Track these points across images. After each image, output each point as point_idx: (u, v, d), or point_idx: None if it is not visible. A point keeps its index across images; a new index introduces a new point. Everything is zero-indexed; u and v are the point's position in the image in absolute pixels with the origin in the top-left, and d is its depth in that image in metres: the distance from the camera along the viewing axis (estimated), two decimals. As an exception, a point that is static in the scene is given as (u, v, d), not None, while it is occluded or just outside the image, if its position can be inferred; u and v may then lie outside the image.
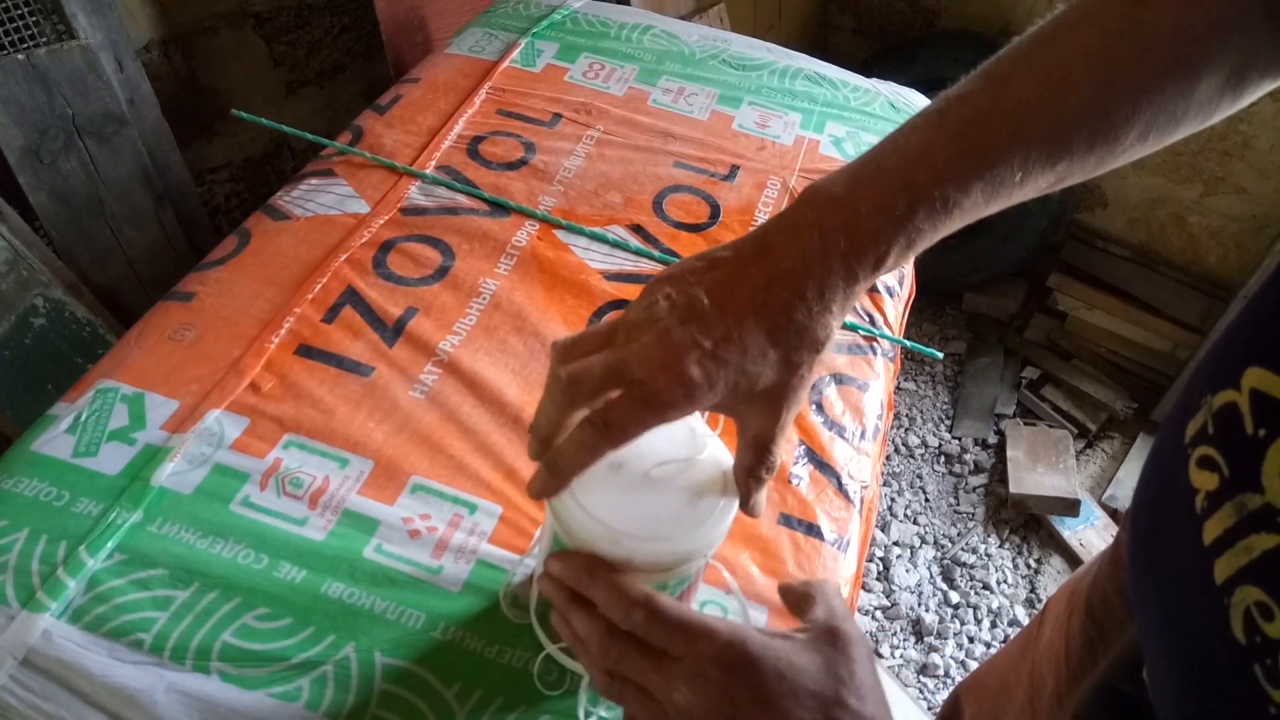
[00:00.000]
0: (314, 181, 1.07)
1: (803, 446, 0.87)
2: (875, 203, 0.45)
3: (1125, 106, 0.46)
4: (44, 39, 1.24)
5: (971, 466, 2.16)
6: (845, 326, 0.98)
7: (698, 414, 0.48)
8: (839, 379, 0.94)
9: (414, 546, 0.75)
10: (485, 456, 0.82)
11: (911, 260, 0.50)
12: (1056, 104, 0.46)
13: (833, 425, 0.89)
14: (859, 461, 0.88)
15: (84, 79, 1.26)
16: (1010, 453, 2.12)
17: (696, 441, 0.53)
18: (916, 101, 1.30)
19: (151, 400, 0.83)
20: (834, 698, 0.43)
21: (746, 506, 0.51)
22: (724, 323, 0.43)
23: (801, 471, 0.85)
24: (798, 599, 0.53)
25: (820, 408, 0.90)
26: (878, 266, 0.46)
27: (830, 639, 0.46)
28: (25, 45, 1.23)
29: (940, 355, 1.09)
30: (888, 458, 2.20)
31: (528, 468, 0.81)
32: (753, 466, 0.49)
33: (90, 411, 0.81)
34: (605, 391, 0.44)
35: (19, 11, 1.22)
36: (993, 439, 2.21)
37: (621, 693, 0.48)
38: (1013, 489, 2.05)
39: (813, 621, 0.48)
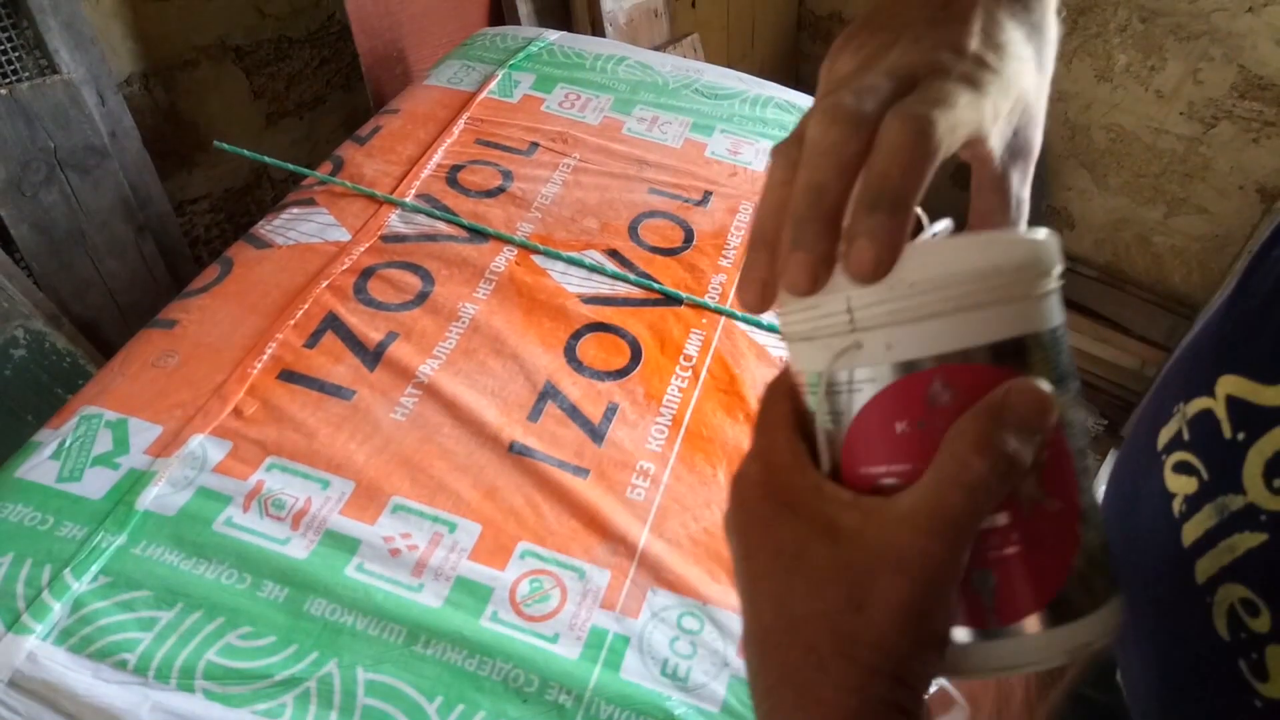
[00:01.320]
0: (295, 210, 1.09)
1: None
2: None
3: None
4: (26, 74, 1.26)
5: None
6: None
7: None
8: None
9: (395, 565, 0.76)
10: (465, 475, 0.83)
11: None
12: None
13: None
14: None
15: (66, 113, 1.28)
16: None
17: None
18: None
19: (135, 425, 0.84)
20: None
21: None
22: (968, 18, 0.32)
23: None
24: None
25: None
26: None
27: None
28: (8, 80, 1.25)
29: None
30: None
31: (508, 486, 0.83)
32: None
33: (74, 438, 0.82)
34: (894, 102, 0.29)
35: (2, 48, 1.24)
36: (968, 458, 2.23)
37: None
38: (989, 507, 2.07)
39: (881, 505, 0.28)
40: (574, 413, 0.90)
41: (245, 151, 1.18)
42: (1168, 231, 2.20)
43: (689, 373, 0.96)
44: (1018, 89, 0.32)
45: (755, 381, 0.96)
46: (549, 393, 0.91)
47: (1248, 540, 0.33)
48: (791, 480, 0.29)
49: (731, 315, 1.03)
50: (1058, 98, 2.16)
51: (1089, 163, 2.22)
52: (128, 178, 1.39)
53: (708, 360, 0.97)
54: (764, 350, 1.00)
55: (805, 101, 1.37)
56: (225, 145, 1.18)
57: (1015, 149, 0.34)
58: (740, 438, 0.90)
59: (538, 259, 1.06)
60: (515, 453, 0.85)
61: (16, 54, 1.26)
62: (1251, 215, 2.05)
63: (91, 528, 0.76)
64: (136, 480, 0.79)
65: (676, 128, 1.29)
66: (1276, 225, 0.38)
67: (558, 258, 1.06)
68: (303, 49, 1.73)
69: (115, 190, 1.37)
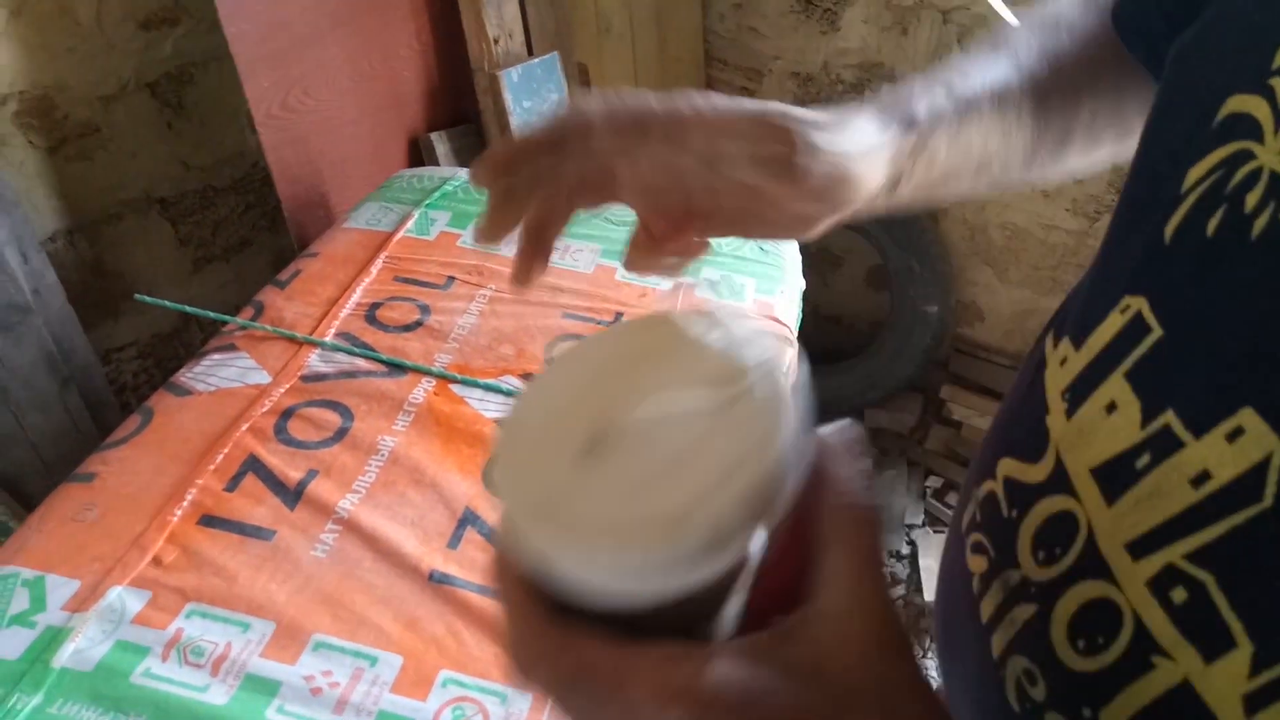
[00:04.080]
0: (216, 357, 1.12)
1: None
2: (898, 89, 0.46)
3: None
4: (-52, 238, 1.29)
5: (888, 580, 2.22)
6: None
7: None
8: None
9: (316, 704, 0.77)
10: (386, 608, 0.85)
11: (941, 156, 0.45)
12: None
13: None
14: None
15: (-12, 273, 1.30)
16: (923, 561, 2.19)
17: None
18: (782, 245, 1.42)
19: (52, 582, 0.84)
20: None
21: None
22: None
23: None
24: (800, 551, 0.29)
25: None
26: (910, 122, 0.44)
27: (861, 656, 0.26)
28: (-71, 245, 1.27)
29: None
30: (808, 577, 2.24)
31: (428, 617, 0.85)
32: None
33: (-10, 599, 0.83)
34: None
35: (-76, 214, 1.27)
36: (905, 549, 2.28)
37: None
38: (929, 598, 2.11)
39: (823, 615, 0.27)
40: (494, 537, 0.93)
41: (166, 303, 1.22)
42: (1069, 319, 2.32)
43: (605, 489, 0.99)
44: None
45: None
46: (468, 519, 0.94)
47: (1024, 612, 0.35)
48: (712, 663, 0.26)
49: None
50: (955, 202, 2.31)
51: (990, 259, 2.35)
52: (51, 332, 1.41)
53: (623, 476, 1.01)
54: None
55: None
56: (145, 298, 1.22)
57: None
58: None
59: (455, 388, 1.10)
60: (435, 581, 0.87)
61: (-61, 220, 1.29)
62: (1142, 299, 2.18)
63: (6, 690, 0.75)
64: (54, 637, 0.80)
65: (587, 254, 1.35)
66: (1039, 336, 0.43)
67: (475, 385, 1.10)
68: (227, 196, 1.79)
69: (38, 345, 1.38)
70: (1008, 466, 0.39)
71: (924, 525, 2.32)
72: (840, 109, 0.42)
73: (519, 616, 0.29)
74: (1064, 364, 0.37)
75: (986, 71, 0.48)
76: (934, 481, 2.42)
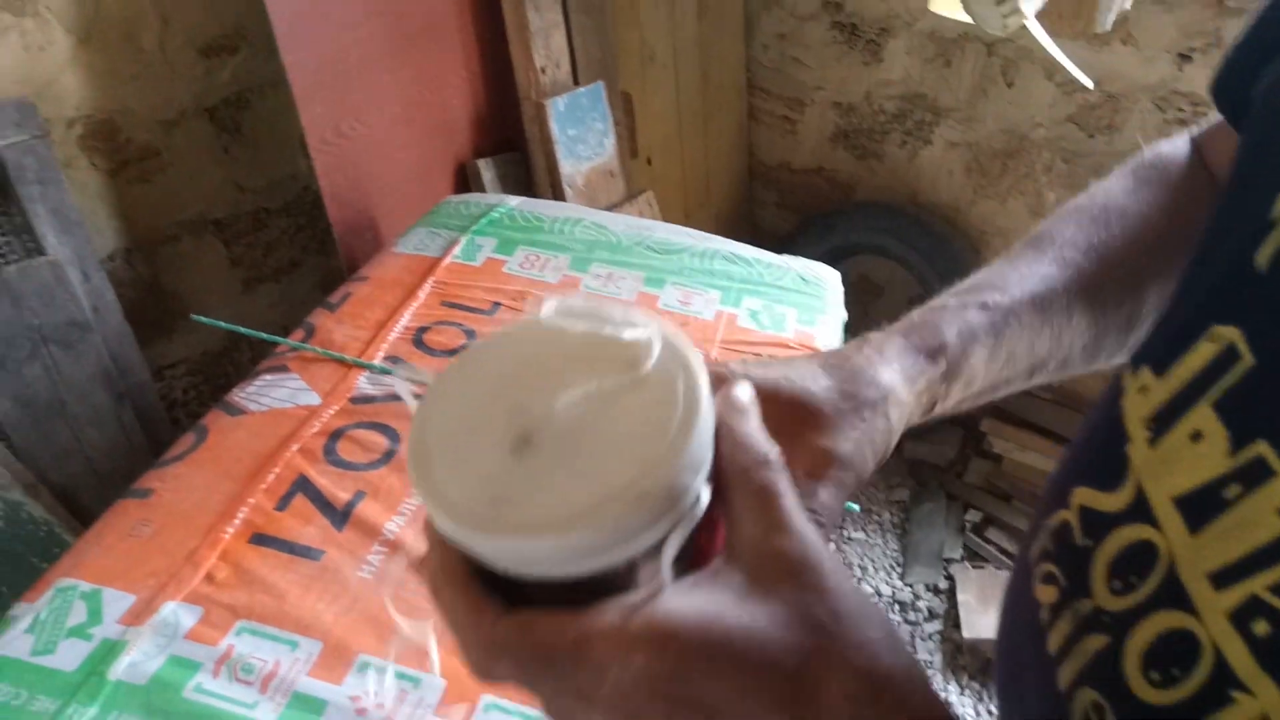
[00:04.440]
0: (268, 377, 1.15)
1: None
2: (929, 309, 0.48)
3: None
4: (15, 256, 1.34)
5: (925, 613, 2.20)
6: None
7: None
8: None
9: (362, 724, 0.78)
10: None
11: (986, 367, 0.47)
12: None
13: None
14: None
15: (51, 291, 1.35)
16: (961, 596, 2.16)
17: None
18: (824, 275, 1.43)
19: (109, 595, 0.87)
20: (813, 658, 0.28)
21: None
22: None
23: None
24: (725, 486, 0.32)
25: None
26: (938, 350, 0.46)
27: (782, 571, 0.29)
28: (-4, 263, 1.32)
29: (857, 508, 1.16)
30: (843, 608, 2.23)
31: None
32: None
33: (49, 610, 0.85)
34: None
35: (-8, 233, 1.32)
36: (943, 584, 2.25)
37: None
38: (966, 634, 2.08)
39: (742, 549, 0.30)
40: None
41: (222, 323, 1.25)
42: (1112, 353, 2.29)
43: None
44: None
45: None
46: (512, 544, 0.95)
47: (1094, 643, 0.34)
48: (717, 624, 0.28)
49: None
50: (996, 234, 2.30)
51: (1032, 291, 2.34)
52: (109, 349, 1.45)
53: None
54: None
55: (750, 252, 1.46)
56: (202, 318, 1.25)
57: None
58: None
59: (500, 413, 1.11)
60: (479, 605, 0.88)
61: (5, 238, 1.33)
62: (1188, 335, 2.15)
63: (64, 700, 0.77)
64: (109, 650, 0.82)
65: (630, 282, 1.37)
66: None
67: (519, 411, 1.12)
68: (279, 218, 1.83)
69: (96, 361, 1.42)
70: (1083, 495, 0.39)
71: (962, 560, 2.29)
72: (863, 355, 0.44)
73: (471, 615, 0.31)
74: (1144, 392, 0.37)
75: (1026, 278, 0.49)
76: (973, 515, 2.39)
